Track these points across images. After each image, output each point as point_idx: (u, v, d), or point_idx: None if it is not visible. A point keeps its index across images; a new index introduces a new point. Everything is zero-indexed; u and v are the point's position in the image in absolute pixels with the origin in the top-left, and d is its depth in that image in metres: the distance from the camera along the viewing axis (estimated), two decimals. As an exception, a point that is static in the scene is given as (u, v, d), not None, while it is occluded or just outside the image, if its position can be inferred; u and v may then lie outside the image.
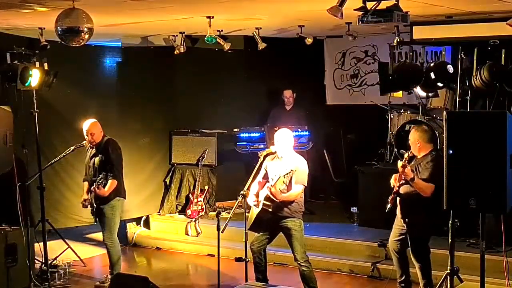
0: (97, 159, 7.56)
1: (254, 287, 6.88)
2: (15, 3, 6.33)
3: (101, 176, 7.39)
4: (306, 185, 6.87)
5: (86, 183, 7.73)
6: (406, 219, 6.75)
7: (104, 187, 7.37)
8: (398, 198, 6.78)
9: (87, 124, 7.63)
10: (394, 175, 6.80)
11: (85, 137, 7.63)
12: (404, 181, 6.68)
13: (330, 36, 10.72)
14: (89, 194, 7.56)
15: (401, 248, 6.96)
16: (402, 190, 6.72)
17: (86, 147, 7.79)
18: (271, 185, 6.74)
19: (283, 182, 6.77)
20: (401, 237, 6.91)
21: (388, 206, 6.78)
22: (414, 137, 6.88)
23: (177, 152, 10.31)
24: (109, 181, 7.42)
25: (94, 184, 7.43)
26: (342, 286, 8.01)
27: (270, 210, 6.82)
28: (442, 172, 6.60)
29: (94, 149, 7.64)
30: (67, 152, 7.93)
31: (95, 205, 7.51)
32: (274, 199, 6.76)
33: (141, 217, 10.17)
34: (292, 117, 10.13)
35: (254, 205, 6.95)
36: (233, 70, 10.39)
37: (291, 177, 6.79)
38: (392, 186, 6.78)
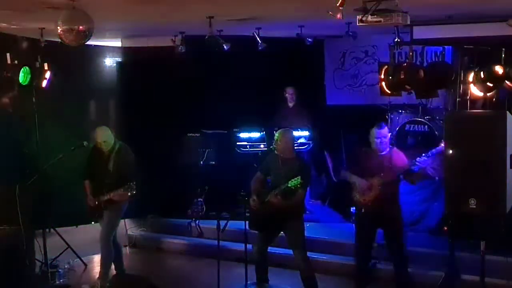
0: (113, 164, 7.50)
1: (255, 287, 6.90)
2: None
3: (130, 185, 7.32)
4: (308, 187, 6.87)
5: (87, 182, 7.69)
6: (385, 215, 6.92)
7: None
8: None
9: (98, 132, 7.57)
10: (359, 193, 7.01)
11: (99, 144, 7.56)
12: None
13: (330, 36, 10.71)
14: (104, 196, 7.46)
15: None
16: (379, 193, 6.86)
17: (99, 148, 7.71)
18: (275, 193, 6.73)
19: (292, 187, 6.74)
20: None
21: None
22: (385, 133, 7.04)
23: (178, 152, 10.29)
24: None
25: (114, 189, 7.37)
26: (342, 286, 8.01)
27: (273, 210, 6.82)
28: None
29: (106, 153, 7.56)
30: (67, 152, 7.92)
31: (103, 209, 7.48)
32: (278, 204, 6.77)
33: (141, 218, 10.17)
34: (295, 114, 10.13)
35: (253, 205, 6.94)
36: (233, 70, 10.38)
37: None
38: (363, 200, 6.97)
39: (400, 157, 7.02)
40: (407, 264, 7.06)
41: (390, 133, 7.32)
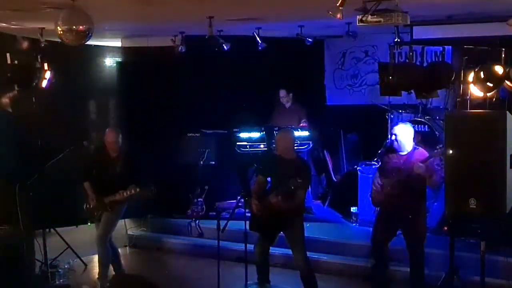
0: (121, 166, 7.49)
1: (255, 287, 6.90)
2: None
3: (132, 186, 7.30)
4: (309, 188, 6.86)
5: (87, 183, 7.68)
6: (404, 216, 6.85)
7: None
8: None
9: (109, 133, 7.61)
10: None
11: (108, 144, 7.59)
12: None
13: (330, 36, 10.71)
14: (109, 197, 7.46)
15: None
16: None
17: (102, 150, 7.69)
18: (276, 195, 6.72)
19: (292, 187, 6.73)
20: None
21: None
22: (400, 130, 6.98)
23: (178, 152, 10.29)
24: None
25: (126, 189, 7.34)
26: (342, 286, 8.01)
27: (273, 211, 6.81)
28: None
29: (114, 155, 7.58)
30: (67, 152, 7.91)
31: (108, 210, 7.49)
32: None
33: (141, 218, 10.17)
34: (292, 114, 10.13)
35: (255, 208, 6.91)
36: (233, 70, 10.39)
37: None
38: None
39: (419, 153, 6.86)
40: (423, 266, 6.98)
41: (413, 132, 7.09)
